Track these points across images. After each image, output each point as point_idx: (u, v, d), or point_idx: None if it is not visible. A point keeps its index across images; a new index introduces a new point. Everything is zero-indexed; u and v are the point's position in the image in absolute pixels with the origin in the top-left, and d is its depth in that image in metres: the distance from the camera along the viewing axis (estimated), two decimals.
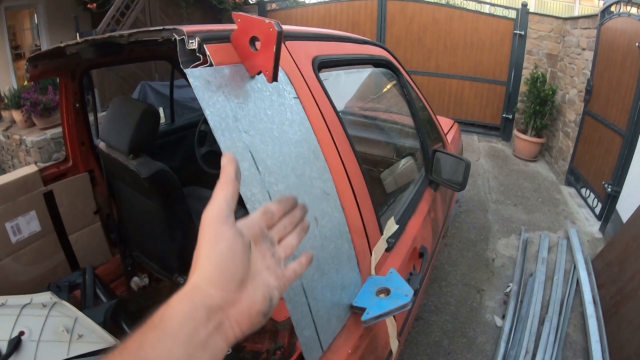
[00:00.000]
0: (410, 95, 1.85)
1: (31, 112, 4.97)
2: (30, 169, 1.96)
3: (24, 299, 1.40)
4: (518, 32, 5.69)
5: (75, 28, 5.50)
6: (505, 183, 4.66)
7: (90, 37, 1.28)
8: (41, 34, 7.74)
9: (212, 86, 0.78)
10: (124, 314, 1.71)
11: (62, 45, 1.42)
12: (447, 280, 2.96)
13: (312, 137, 0.97)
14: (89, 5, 6.15)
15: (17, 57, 7.22)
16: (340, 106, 1.74)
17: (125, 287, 2.36)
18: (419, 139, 1.88)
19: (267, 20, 0.77)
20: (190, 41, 0.82)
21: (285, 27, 1.11)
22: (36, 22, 7.77)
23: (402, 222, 1.50)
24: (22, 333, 1.24)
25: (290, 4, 7.05)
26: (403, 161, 1.95)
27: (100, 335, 1.34)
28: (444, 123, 2.94)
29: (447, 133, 2.74)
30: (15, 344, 1.19)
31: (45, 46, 7.40)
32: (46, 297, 1.45)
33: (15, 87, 5.29)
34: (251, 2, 7.38)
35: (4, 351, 1.16)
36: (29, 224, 1.94)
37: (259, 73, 0.85)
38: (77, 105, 2.00)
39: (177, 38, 0.84)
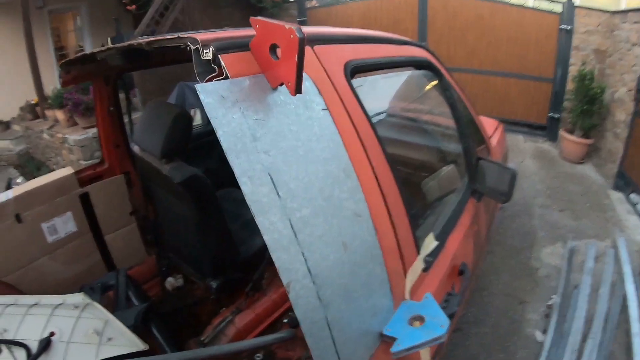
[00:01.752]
0: (453, 98, 1.70)
1: (73, 111, 5.12)
2: (66, 171, 1.97)
3: (57, 299, 1.39)
4: (564, 27, 5.30)
5: (116, 30, 5.60)
6: (552, 186, 4.37)
7: (113, 45, 1.23)
8: (84, 35, 8.00)
9: (227, 102, 0.69)
10: (154, 318, 1.69)
11: (88, 53, 1.38)
12: (489, 290, 2.78)
13: (343, 153, 0.86)
14: (128, 7, 6.25)
15: (61, 58, 7.47)
16: (377, 110, 1.62)
17: (160, 287, 2.35)
18: (461, 144, 1.73)
19: (287, 26, 0.67)
20: (205, 51, 0.74)
21: (313, 29, 1.01)
22: (79, 24, 8.03)
23: (442, 237, 1.37)
24: (52, 333, 1.22)
25: (331, 1, 6.90)
26: (445, 169, 1.80)
27: (129, 339, 1.29)
28: (488, 124, 2.74)
29: (491, 135, 2.55)
30: (45, 344, 1.16)
31: (88, 47, 7.63)
32: (78, 298, 1.44)
33: (59, 87, 5.46)
34: (290, 0, 7.26)
35: (34, 351, 1.14)
36: (65, 225, 1.94)
37: (281, 84, 0.75)
38: (112, 109, 1.98)
39: (192, 48, 0.75)
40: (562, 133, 5.28)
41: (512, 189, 1.60)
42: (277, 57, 0.72)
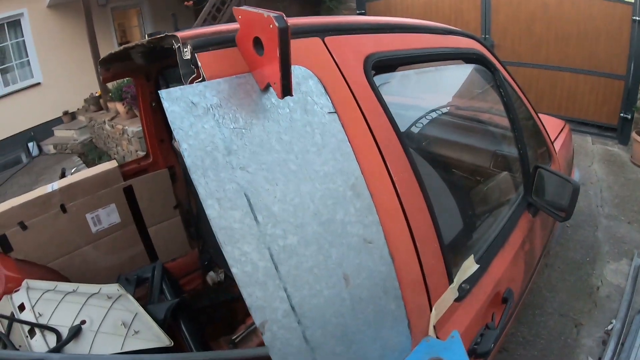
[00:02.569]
0: (509, 97, 1.44)
1: (132, 104, 5.30)
2: (111, 164, 1.98)
3: (93, 288, 1.40)
4: (638, 17, 4.59)
5: (174, 25, 5.71)
6: (620, 195, 3.81)
7: (125, 46, 1.15)
8: (147, 30, 8.35)
9: (198, 109, 0.55)
10: (185, 314, 1.65)
11: (112, 52, 1.31)
12: (543, 308, 2.45)
13: (354, 166, 0.69)
14: (185, 3, 6.35)
15: None
16: (413, 108, 1.41)
17: (201, 281, 2.32)
18: (517, 149, 1.46)
19: (266, 14, 0.51)
20: (184, 49, 0.60)
21: (323, 18, 0.84)
22: (142, 19, 8.39)
23: (486, 260, 1.14)
24: (83, 322, 1.22)
25: None
26: (495, 177, 1.55)
27: (155, 333, 1.27)
28: (553, 125, 2.39)
29: (555, 137, 2.21)
30: (75, 331, 1.16)
31: None
32: (113, 289, 1.44)
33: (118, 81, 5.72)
34: None
35: (64, 336, 1.14)
36: (109, 216, 1.95)
37: (269, 85, 0.59)
38: (154, 104, 1.94)
39: (175, 46, 0.62)
40: (634, 136, 4.61)
41: (572, 206, 1.32)
42: (262, 53, 0.56)
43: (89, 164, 5.77)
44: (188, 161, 0.54)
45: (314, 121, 0.65)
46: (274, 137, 0.60)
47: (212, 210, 0.53)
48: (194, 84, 0.58)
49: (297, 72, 0.67)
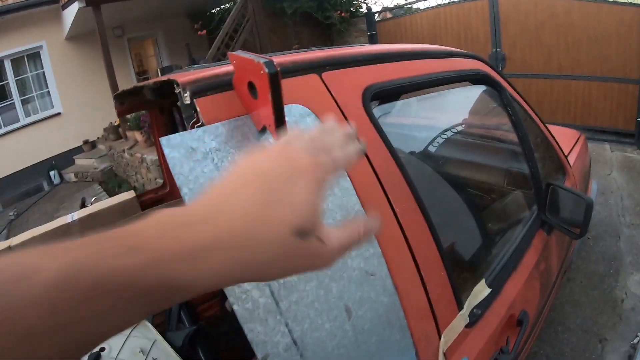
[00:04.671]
0: (517, 114, 1.44)
1: (149, 133, 5.44)
2: (129, 195, 2.02)
3: None
4: None
5: (188, 54, 5.86)
6: None
7: (133, 86, 1.20)
8: (163, 59, 8.62)
9: (197, 154, 0.58)
10: (202, 341, 1.67)
11: (124, 90, 1.37)
12: (565, 325, 2.38)
13: (353, 200, 0.71)
14: (199, 33, 6.51)
15: (143, 81, 8.25)
16: (421, 130, 1.42)
17: (220, 307, 2.34)
18: (529, 167, 1.46)
19: (256, 60, 0.54)
20: (184, 95, 0.63)
21: (321, 52, 0.86)
22: (158, 48, 8.65)
23: (498, 282, 1.13)
24: (102, 349, 1.25)
25: (399, 12, 6.65)
26: (506, 197, 1.54)
27: None
28: (567, 136, 2.37)
29: (570, 150, 2.18)
30: (95, 358, 1.19)
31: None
32: None
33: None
34: (360, 15, 7.10)
35: None
36: None
37: (265, 127, 0.62)
38: None
39: (177, 90, 0.66)
40: None
41: (587, 222, 1.30)
42: (256, 96, 0.59)
43: (109, 192, 5.91)
44: (188, 201, 0.56)
45: None
46: None
47: None
48: (193, 130, 0.61)
49: (295, 110, 0.70)
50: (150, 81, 0.96)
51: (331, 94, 0.77)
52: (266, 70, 0.52)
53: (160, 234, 0.31)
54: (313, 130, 0.42)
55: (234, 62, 0.63)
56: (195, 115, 0.65)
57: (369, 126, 0.80)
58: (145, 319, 1.52)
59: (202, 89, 0.65)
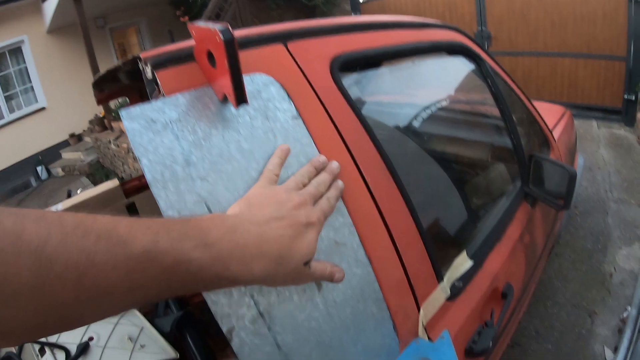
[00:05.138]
0: (497, 86, 1.42)
1: None
2: (112, 183, 2.00)
3: None
4: None
5: (171, 41, 5.77)
6: (629, 178, 3.72)
7: (106, 70, 1.17)
8: (146, 48, 8.48)
9: (157, 125, 0.56)
10: (191, 326, 1.67)
11: (99, 75, 1.34)
12: (554, 300, 2.40)
13: None
14: (181, 19, 6.41)
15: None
16: (400, 102, 1.40)
17: None
18: (510, 140, 1.45)
19: (212, 27, 0.52)
20: (146, 69, 0.62)
21: (287, 24, 0.84)
22: (141, 37, 8.51)
23: (480, 255, 1.13)
24: (91, 338, 1.25)
25: None
26: (489, 169, 1.53)
27: (161, 346, 1.30)
28: (552, 112, 2.36)
29: (555, 124, 2.18)
30: (84, 347, 1.20)
31: None
32: None
33: (120, 100, 5.80)
34: None
35: (73, 353, 1.18)
36: None
37: (226, 96, 0.60)
38: None
39: (140, 66, 0.64)
40: (639, 117, 4.54)
41: (570, 194, 1.30)
42: (215, 65, 0.57)
43: (97, 184, 5.86)
44: (148, 176, 0.55)
45: (276, 127, 0.66)
46: (234, 146, 0.61)
47: None
48: (153, 101, 0.59)
49: (258, 79, 0.68)
50: (120, 62, 0.93)
51: (297, 64, 0.75)
52: (222, 37, 0.50)
53: (227, 237, 0.45)
54: (304, 177, 0.62)
55: (193, 32, 0.61)
56: (156, 88, 0.63)
57: (337, 96, 0.78)
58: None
59: (163, 61, 0.63)
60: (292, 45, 0.76)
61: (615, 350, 2.05)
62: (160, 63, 0.63)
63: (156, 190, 0.55)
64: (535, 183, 1.44)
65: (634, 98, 4.83)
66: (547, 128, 1.80)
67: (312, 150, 0.68)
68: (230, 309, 0.57)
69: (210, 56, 0.59)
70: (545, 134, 1.77)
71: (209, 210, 0.57)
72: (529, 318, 2.26)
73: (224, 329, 0.57)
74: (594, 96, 5.15)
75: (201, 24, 0.59)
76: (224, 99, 0.62)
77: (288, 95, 0.69)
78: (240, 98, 0.56)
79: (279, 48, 0.75)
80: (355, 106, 0.80)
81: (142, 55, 0.64)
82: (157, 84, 0.62)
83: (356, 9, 6.62)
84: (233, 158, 0.60)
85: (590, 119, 5.07)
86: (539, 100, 2.41)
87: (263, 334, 0.59)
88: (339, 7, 6.90)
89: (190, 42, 0.67)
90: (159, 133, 0.57)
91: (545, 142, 1.77)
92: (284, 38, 0.76)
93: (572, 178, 1.32)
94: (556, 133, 2.02)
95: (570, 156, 2.19)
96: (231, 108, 0.63)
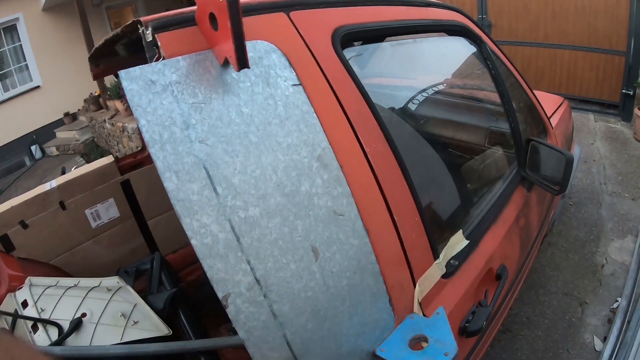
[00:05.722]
0: (497, 69, 1.41)
1: None
2: (107, 160, 1.98)
3: (94, 281, 1.42)
4: None
5: None
6: (624, 172, 3.73)
7: (104, 39, 1.15)
8: None
9: (157, 86, 0.55)
10: (183, 303, 1.67)
11: (97, 46, 1.31)
12: (546, 288, 2.42)
13: (320, 137, 0.69)
14: None
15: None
16: (400, 82, 1.39)
17: (202, 271, 2.33)
18: (509, 123, 1.44)
19: None
20: (146, 32, 0.61)
21: None
22: (138, 16, 8.38)
23: (476, 235, 1.13)
24: (84, 315, 1.24)
25: None
26: (486, 152, 1.53)
27: (154, 323, 1.30)
28: (551, 101, 2.35)
29: (553, 113, 2.17)
30: (76, 324, 1.19)
31: None
32: (113, 281, 1.47)
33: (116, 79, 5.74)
34: None
35: (65, 330, 1.17)
36: (107, 210, 1.97)
37: (227, 60, 0.59)
38: None
39: (140, 30, 0.63)
40: (637, 112, 4.52)
41: (567, 178, 1.30)
42: (217, 28, 0.56)
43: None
44: (146, 136, 0.54)
45: (276, 94, 0.65)
46: (234, 110, 0.60)
47: (170, 183, 0.54)
48: (153, 63, 0.58)
49: (260, 46, 0.67)
50: (118, 30, 0.92)
51: (299, 33, 0.74)
52: None
53: None
54: None
55: None
56: (157, 51, 0.62)
57: (338, 66, 0.78)
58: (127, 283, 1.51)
59: (164, 24, 0.62)
60: (294, 14, 0.75)
61: (605, 340, 2.08)
62: (161, 26, 0.62)
63: (154, 150, 0.54)
64: (532, 167, 1.44)
65: (632, 93, 4.82)
66: (545, 115, 1.80)
67: (312, 118, 0.68)
68: (227, 274, 0.57)
69: (213, 19, 0.58)
70: (543, 121, 1.76)
71: (207, 173, 0.56)
72: (521, 305, 2.28)
73: (220, 295, 0.56)
74: (592, 89, 5.13)
75: None
76: (225, 63, 0.61)
77: (290, 63, 0.69)
78: (242, 62, 0.55)
79: (281, 16, 0.74)
80: (356, 77, 0.79)
81: (143, 19, 0.63)
82: (157, 46, 0.61)
83: None
84: (233, 122, 0.59)
85: (587, 112, 5.06)
86: (536, 90, 2.40)
87: (259, 301, 0.59)
88: None
89: (188, 8, 0.66)
90: (159, 94, 0.56)
91: (543, 128, 1.77)
92: (286, 7, 0.75)
93: (569, 162, 1.32)
94: (554, 121, 2.02)
95: (567, 145, 2.20)
96: (232, 73, 0.62)
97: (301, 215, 0.63)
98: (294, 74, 0.69)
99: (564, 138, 2.08)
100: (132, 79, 0.56)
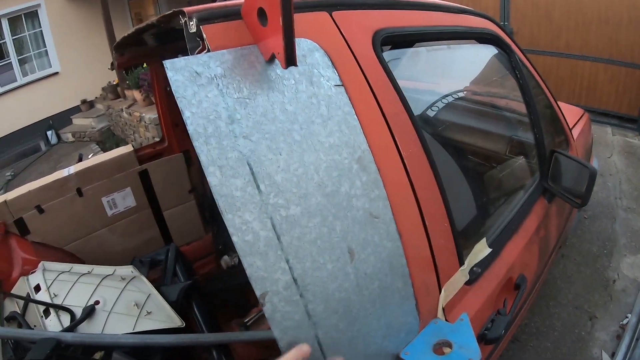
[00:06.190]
0: (525, 79, 1.40)
1: (148, 92, 5.33)
2: (126, 149, 1.99)
3: (108, 269, 1.43)
4: None
5: None
6: None
7: (135, 28, 1.14)
8: None
9: (202, 78, 0.55)
10: (197, 295, 1.67)
11: (124, 36, 1.31)
12: (557, 300, 2.40)
13: (360, 139, 0.68)
14: None
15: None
16: (429, 88, 1.38)
17: (216, 264, 2.34)
18: (533, 134, 1.43)
19: None
20: (190, 23, 0.60)
21: None
22: (159, 8, 8.42)
23: (498, 244, 1.12)
24: (97, 302, 1.25)
25: None
26: (510, 162, 1.52)
27: (167, 314, 1.30)
28: (571, 113, 2.33)
29: (573, 125, 2.15)
30: (89, 311, 1.19)
31: None
32: (127, 270, 1.48)
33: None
34: None
35: (78, 316, 1.17)
36: (124, 199, 1.97)
37: (273, 56, 0.59)
38: (169, 88, 1.95)
39: (182, 21, 0.63)
40: None
41: (589, 191, 1.29)
42: (266, 23, 0.56)
43: (106, 152, 5.87)
44: (190, 129, 0.54)
45: (319, 93, 0.64)
46: (278, 107, 0.60)
47: (214, 178, 0.53)
48: (199, 55, 0.58)
49: (303, 44, 0.66)
50: (154, 19, 0.91)
51: (341, 32, 0.73)
52: None
53: None
54: None
55: None
56: (200, 43, 0.62)
57: (378, 68, 0.77)
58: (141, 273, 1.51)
59: (210, 16, 0.62)
60: (337, 14, 0.75)
61: (613, 355, 2.05)
62: (205, 18, 0.62)
63: (198, 144, 0.54)
64: (555, 179, 1.42)
65: None
66: (568, 127, 1.78)
67: (353, 119, 0.67)
68: (266, 272, 0.56)
69: (261, 14, 0.58)
70: (565, 132, 1.74)
71: (251, 170, 0.56)
72: (531, 315, 2.26)
73: (258, 293, 0.56)
74: (612, 102, 5.06)
75: None
76: (271, 60, 0.61)
77: (332, 62, 0.68)
78: (290, 59, 0.55)
79: (324, 16, 0.74)
80: (394, 80, 0.79)
81: (187, 10, 0.63)
82: (202, 38, 0.61)
83: None
84: (277, 119, 0.59)
85: (606, 125, 4.99)
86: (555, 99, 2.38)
87: (295, 301, 0.58)
88: None
89: (232, 2, 0.66)
90: (204, 87, 0.56)
91: (565, 140, 1.75)
92: (329, 6, 0.75)
93: (592, 176, 1.30)
94: (575, 133, 1.99)
95: (586, 158, 2.17)
96: (277, 70, 0.61)
97: (340, 216, 0.63)
98: (337, 74, 0.68)
99: (584, 150, 2.06)
100: (177, 69, 0.56)
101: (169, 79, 0.56)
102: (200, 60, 0.57)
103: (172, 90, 0.55)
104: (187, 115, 0.54)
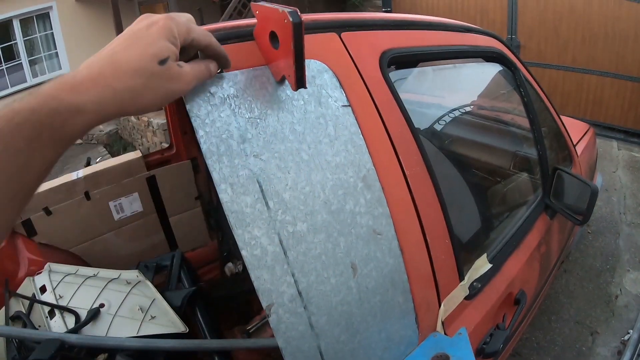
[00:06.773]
0: (529, 96, 1.42)
1: None
2: (135, 154, 2.02)
3: (113, 273, 1.44)
4: None
5: (200, 20, 5.77)
6: None
7: None
8: None
9: (215, 99, 0.58)
10: (201, 302, 1.69)
11: None
12: (559, 315, 2.41)
13: (365, 158, 0.71)
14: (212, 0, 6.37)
15: None
16: (433, 104, 1.41)
17: (220, 271, 2.36)
18: (537, 150, 1.45)
19: (281, 9, 0.54)
20: None
21: (341, 14, 0.85)
22: (169, 12, 8.48)
23: (499, 259, 1.14)
24: (102, 305, 1.26)
25: None
26: (512, 178, 1.54)
27: (171, 319, 1.31)
28: (577, 128, 2.34)
29: (578, 141, 2.17)
30: (94, 314, 1.20)
31: None
32: (132, 274, 1.49)
33: None
34: None
35: (82, 318, 1.18)
36: (131, 204, 2.00)
37: (284, 77, 0.62)
38: None
39: None
40: None
41: (590, 209, 1.30)
42: (278, 46, 0.59)
43: (114, 155, 5.91)
44: (204, 147, 0.56)
45: (327, 113, 0.67)
46: (288, 127, 0.62)
47: (225, 195, 0.56)
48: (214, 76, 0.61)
49: (313, 65, 0.69)
50: None
51: (349, 53, 0.76)
52: (290, 19, 0.51)
53: (83, 70, 0.44)
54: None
55: (257, 12, 0.62)
56: None
57: (384, 89, 0.80)
58: (146, 277, 1.52)
59: (223, 37, 0.64)
60: (345, 35, 0.78)
61: None
62: (219, 39, 0.64)
63: (211, 162, 0.57)
64: (557, 196, 1.44)
65: None
66: (572, 143, 1.80)
67: (359, 139, 0.70)
68: (272, 285, 0.59)
69: (273, 37, 0.60)
70: (569, 149, 1.76)
71: (260, 187, 0.58)
72: (532, 330, 2.26)
73: (264, 305, 0.58)
74: (617, 117, 5.07)
75: (267, 4, 0.60)
76: (281, 81, 0.63)
77: (340, 83, 0.71)
78: (300, 81, 0.57)
79: (332, 37, 0.77)
80: (400, 100, 0.81)
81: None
82: None
83: (388, 4, 6.55)
84: (286, 139, 0.62)
85: (611, 139, 5.00)
86: (561, 115, 2.40)
87: (299, 312, 0.61)
88: (370, 2, 6.85)
89: (243, 22, 0.69)
90: (217, 107, 0.58)
91: (569, 156, 1.77)
92: (338, 27, 0.78)
93: (593, 194, 1.32)
94: (579, 149, 2.01)
95: (591, 173, 2.19)
96: (287, 90, 0.64)
97: (344, 232, 0.65)
98: (344, 94, 0.71)
99: (588, 166, 2.07)
100: (192, 89, 0.58)
101: (183, 98, 0.58)
102: (213, 80, 0.60)
103: (187, 109, 0.58)
104: (200, 134, 0.56)
